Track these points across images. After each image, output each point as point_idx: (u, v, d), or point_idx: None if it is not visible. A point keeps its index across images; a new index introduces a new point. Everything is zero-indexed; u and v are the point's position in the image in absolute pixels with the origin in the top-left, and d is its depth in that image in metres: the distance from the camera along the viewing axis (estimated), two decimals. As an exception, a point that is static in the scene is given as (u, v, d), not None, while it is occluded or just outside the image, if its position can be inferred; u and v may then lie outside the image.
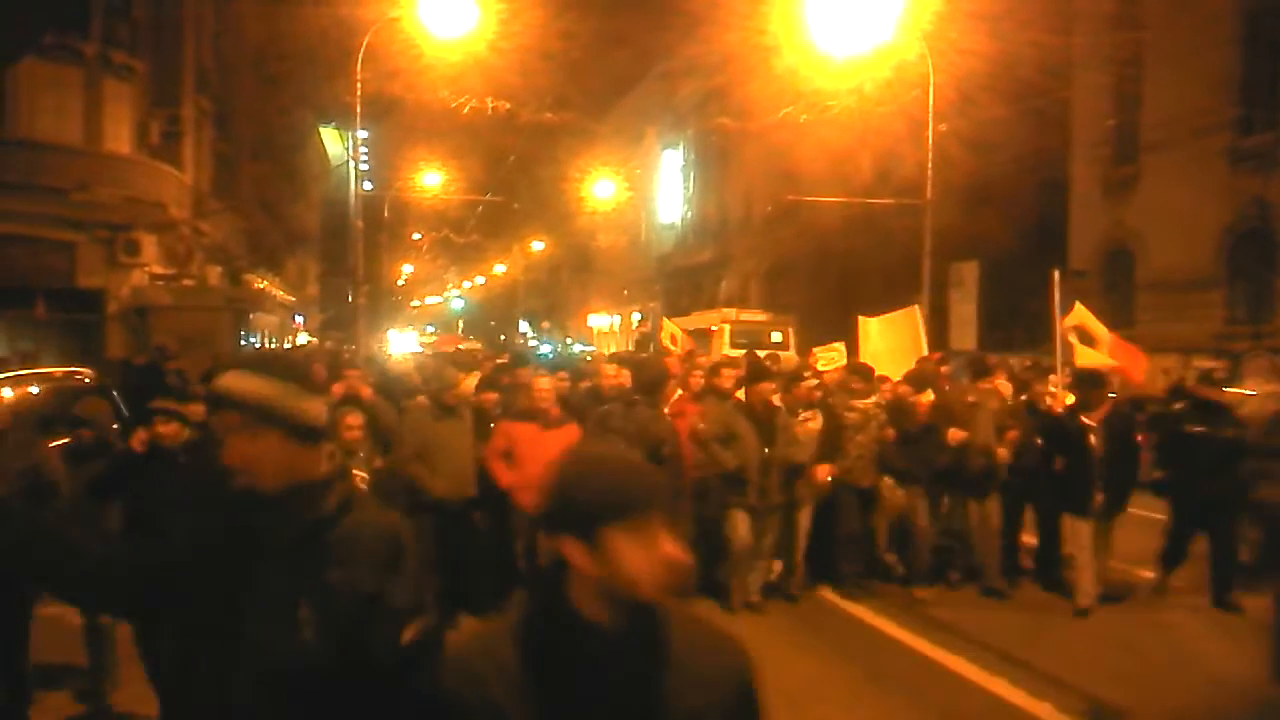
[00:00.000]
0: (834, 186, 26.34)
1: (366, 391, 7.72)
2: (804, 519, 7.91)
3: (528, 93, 27.03)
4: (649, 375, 7.77)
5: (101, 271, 21.22)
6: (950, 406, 8.18)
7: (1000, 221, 22.71)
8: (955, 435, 7.83)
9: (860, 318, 11.85)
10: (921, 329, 11.39)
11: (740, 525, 7.29)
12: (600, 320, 51.37)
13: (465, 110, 24.65)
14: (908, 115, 21.76)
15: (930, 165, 20.69)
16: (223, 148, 28.96)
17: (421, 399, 7.40)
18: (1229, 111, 19.44)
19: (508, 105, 25.59)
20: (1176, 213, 20.20)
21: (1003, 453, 8.03)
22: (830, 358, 10.93)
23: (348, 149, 40.07)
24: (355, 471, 5.43)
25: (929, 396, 8.41)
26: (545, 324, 58.60)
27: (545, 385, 7.19)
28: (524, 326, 59.89)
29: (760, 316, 26.31)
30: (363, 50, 21.20)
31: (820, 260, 31.59)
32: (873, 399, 8.33)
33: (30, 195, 19.32)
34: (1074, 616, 7.45)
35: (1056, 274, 8.84)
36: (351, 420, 6.05)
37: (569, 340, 44.19)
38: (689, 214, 47.65)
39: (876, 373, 8.93)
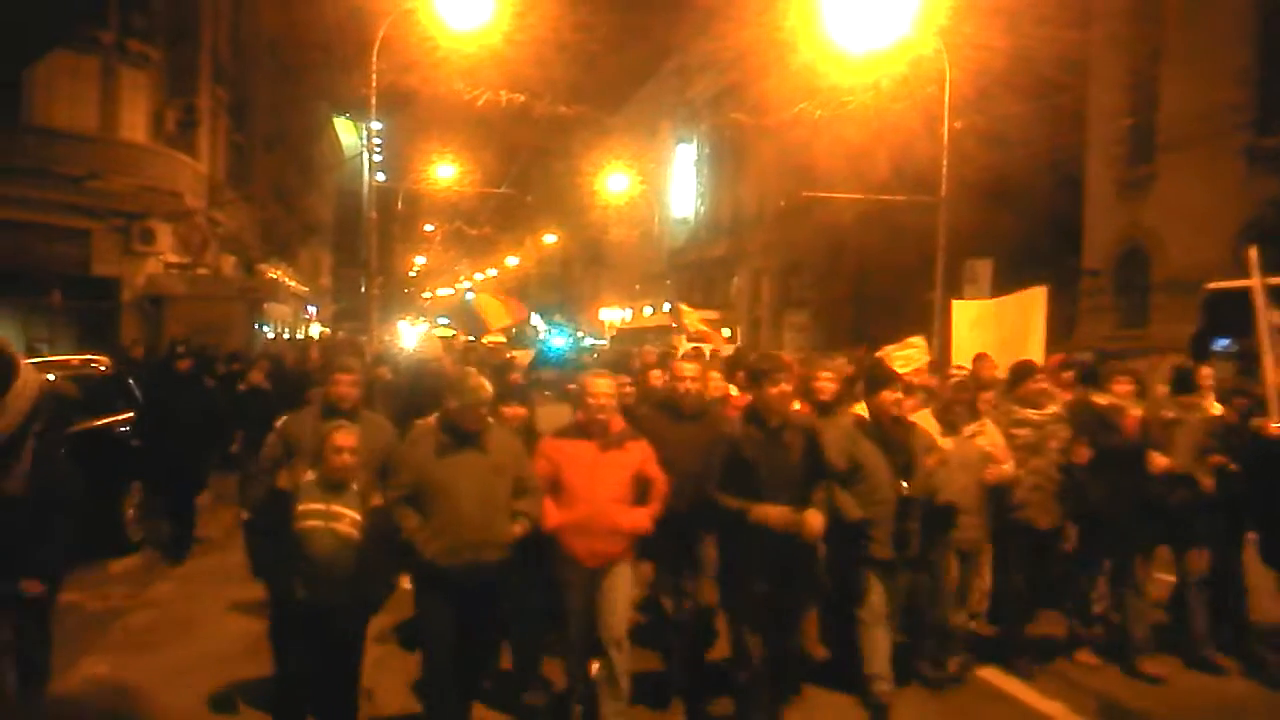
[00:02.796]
0: (849, 183, 26.26)
1: (351, 392, 5.31)
2: (986, 573, 6.29)
3: (542, 86, 27.08)
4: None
5: (116, 260, 21.31)
6: (1147, 424, 6.38)
7: (1016, 219, 22.60)
8: (1159, 462, 6.10)
9: (955, 301, 10.76)
10: (1043, 318, 9.29)
11: (874, 588, 5.27)
12: (612, 314, 51.40)
13: (480, 103, 24.72)
14: (924, 111, 21.67)
15: (945, 162, 20.61)
16: (238, 138, 29.04)
17: (429, 420, 5.34)
18: (1247, 111, 19.29)
19: (522, 98, 25.66)
20: (1193, 212, 20.06)
21: (1208, 483, 6.22)
22: (908, 356, 8.48)
23: (362, 140, 40.15)
24: (344, 511, 4.40)
25: (1123, 402, 6.31)
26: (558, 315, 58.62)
27: (603, 389, 5.15)
28: (535, 319, 59.93)
29: (714, 315, 28.80)
30: (379, 42, 21.22)
31: (834, 257, 31.51)
32: (1052, 409, 6.27)
33: (46, 183, 19.41)
34: None
35: (1254, 251, 6.73)
36: (342, 440, 4.45)
37: (580, 333, 44.17)
38: (702, 209, 47.58)
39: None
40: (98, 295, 20.93)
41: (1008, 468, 5.89)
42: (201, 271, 23.24)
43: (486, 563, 4.77)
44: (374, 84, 21.91)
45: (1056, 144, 23.47)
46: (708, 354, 12.23)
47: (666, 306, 42.21)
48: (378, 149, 34.18)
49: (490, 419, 5.02)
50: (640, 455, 5.15)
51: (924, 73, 20.57)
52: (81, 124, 20.46)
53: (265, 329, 27.78)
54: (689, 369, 5.85)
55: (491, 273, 76.04)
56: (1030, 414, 6.17)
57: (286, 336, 29.81)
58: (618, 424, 5.22)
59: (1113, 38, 21.80)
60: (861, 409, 5.57)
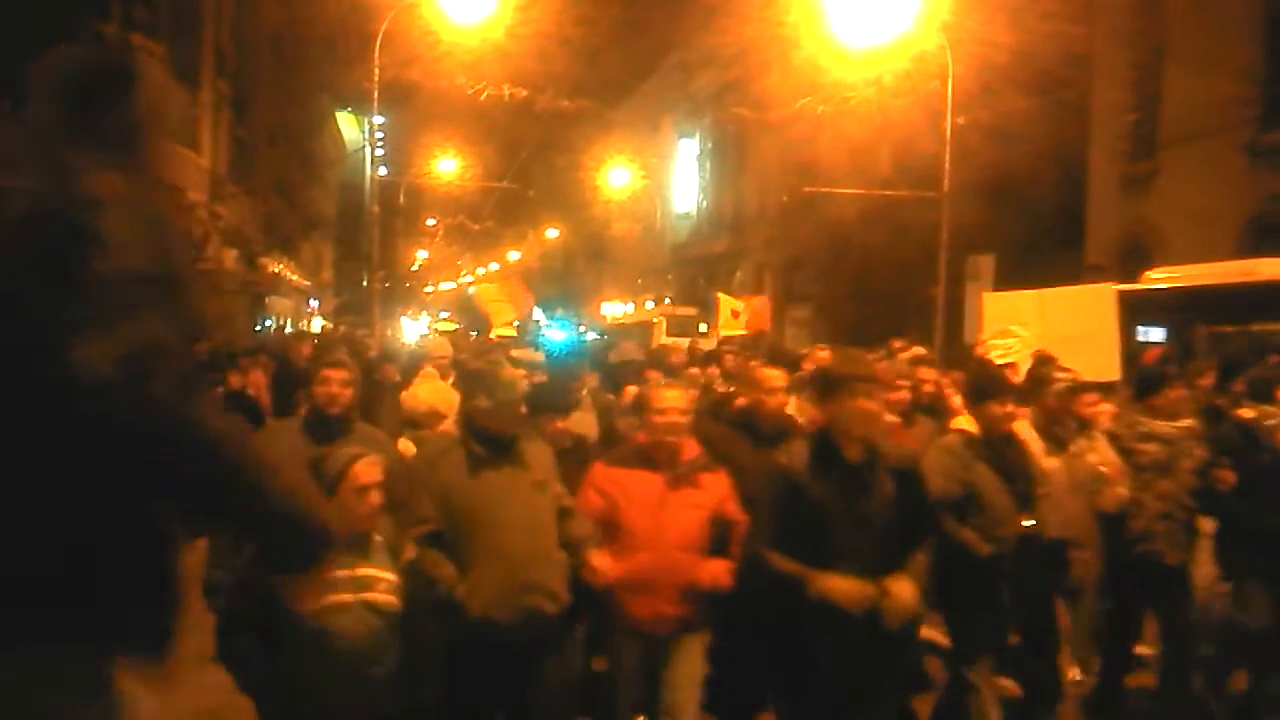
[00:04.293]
0: (851, 178, 26.24)
1: (343, 394, 4.25)
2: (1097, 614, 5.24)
3: (545, 80, 27.04)
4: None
5: (119, 254, 21.30)
6: None
7: (1018, 214, 22.58)
8: None
9: (986, 294, 8.98)
10: (1115, 319, 8.42)
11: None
12: (614, 308, 51.43)
13: (482, 97, 24.68)
14: (926, 107, 21.65)
15: (948, 157, 20.60)
16: (240, 131, 29.02)
17: (447, 426, 4.45)
18: (1251, 106, 19.25)
19: (524, 92, 25.62)
20: (1196, 208, 20.03)
21: None
22: (1008, 346, 6.99)
23: (364, 134, 40.11)
24: (377, 574, 3.06)
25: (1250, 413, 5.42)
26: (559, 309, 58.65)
27: (674, 402, 4.00)
28: (538, 314, 59.92)
29: (691, 311, 29.69)
30: (381, 36, 21.21)
31: (836, 252, 31.47)
32: (1187, 421, 5.30)
33: (49, 177, 19.39)
34: None
35: None
36: (367, 475, 3.08)
37: (581, 328, 44.22)
38: (704, 204, 47.54)
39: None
40: (100, 289, 20.92)
41: (1124, 490, 4.95)
42: (203, 266, 23.24)
43: (542, 616, 3.58)
44: (376, 78, 21.90)
45: (1059, 139, 23.43)
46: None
47: (667, 301, 42.26)
48: (380, 143, 34.17)
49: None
50: (718, 491, 4.00)
51: (927, 68, 20.55)
52: (84, 118, 20.44)
53: (268, 323, 27.80)
54: (775, 377, 4.53)
55: (494, 267, 76.04)
56: (1163, 427, 5.11)
57: (289, 330, 29.79)
58: (691, 449, 4.02)
59: (1116, 33, 21.76)
60: (966, 422, 4.56)
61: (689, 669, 3.94)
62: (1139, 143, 22.41)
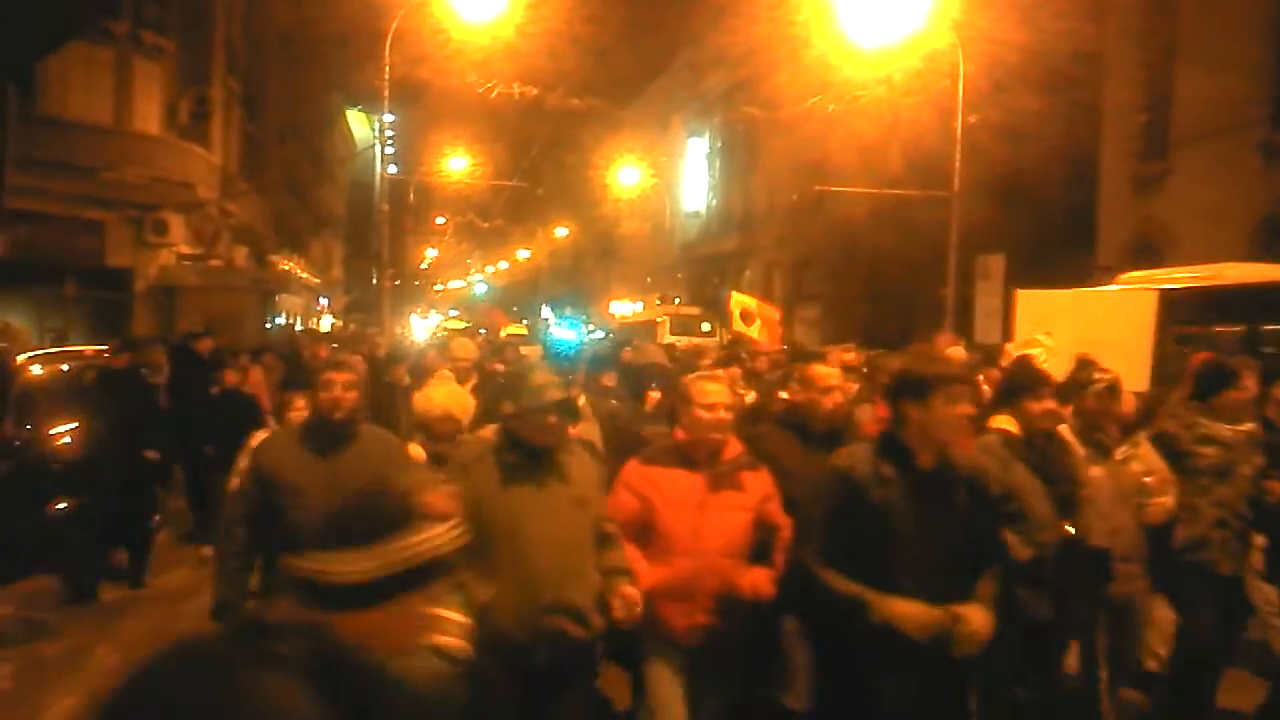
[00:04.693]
0: (861, 177, 26.20)
1: (346, 398, 4.02)
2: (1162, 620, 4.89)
3: (555, 79, 27.05)
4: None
5: (129, 251, 21.39)
6: None
7: (1029, 214, 22.52)
8: None
9: (1020, 291, 8.98)
10: (1152, 326, 8.02)
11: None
12: (623, 307, 51.44)
13: (492, 95, 24.68)
14: (937, 106, 21.60)
15: (959, 156, 20.54)
16: (251, 129, 29.10)
17: (484, 433, 3.91)
18: (1263, 106, 19.16)
19: (534, 90, 25.62)
20: (1208, 208, 19.94)
21: None
22: (1033, 357, 6.30)
23: (374, 132, 40.17)
24: (448, 615, 2.23)
25: None
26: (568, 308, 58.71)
27: (719, 395, 3.74)
28: (546, 312, 60.00)
29: (694, 310, 30.27)
30: (391, 34, 21.23)
31: (846, 252, 31.41)
32: (1248, 425, 5.01)
33: (60, 174, 19.47)
34: None
35: None
36: (440, 506, 1.86)
37: (590, 326, 44.27)
38: (714, 203, 47.50)
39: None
40: (111, 286, 21.00)
41: (1169, 500, 4.69)
42: (214, 263, 23.33)
43: (566, 639, 3.34)
44: (387, 76, 21.91)
45: (1070, 139, 23.35)
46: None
47: (676, 301, 42.20)
48: (390, 141, 34.21)
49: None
50: (761, 491, 3.74)
51: (937, 67, 20.49)
52: (95, 115, 20.52)
53: (278, 320, 27.86)
54: (828, 374, 4.23)
55: (503, 265, 76.13)
56: (1224, 430, 4.84)
57: (299, 328, 29.85)
58: (734, 447, 3.77)
59: (1127, 32, 21.68)
60: (1006, 421, 4.20)
61: (721, 699, 3.68)
62: (1150, 142, 22.32)
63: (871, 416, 5.44)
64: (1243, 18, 19.31)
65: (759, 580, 3.62)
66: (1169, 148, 21.69)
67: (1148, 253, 22.69)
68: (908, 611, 3.01)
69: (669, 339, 22.33)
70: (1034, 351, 6.46)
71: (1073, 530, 3.95)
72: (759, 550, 3.73)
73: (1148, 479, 4.65)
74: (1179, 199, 21.34)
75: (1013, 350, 6.84)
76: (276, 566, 3.64)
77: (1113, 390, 4.74)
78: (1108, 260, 22.91)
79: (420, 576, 1.99)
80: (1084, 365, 4.91)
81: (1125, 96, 22.62)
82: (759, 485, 3.73)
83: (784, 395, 4.94)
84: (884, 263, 28.03)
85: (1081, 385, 4.68)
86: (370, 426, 4.12)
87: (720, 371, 7.95)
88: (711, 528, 3.59)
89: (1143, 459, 4.73)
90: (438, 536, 1.81)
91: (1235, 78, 19.19)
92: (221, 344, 12.34)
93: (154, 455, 8.04)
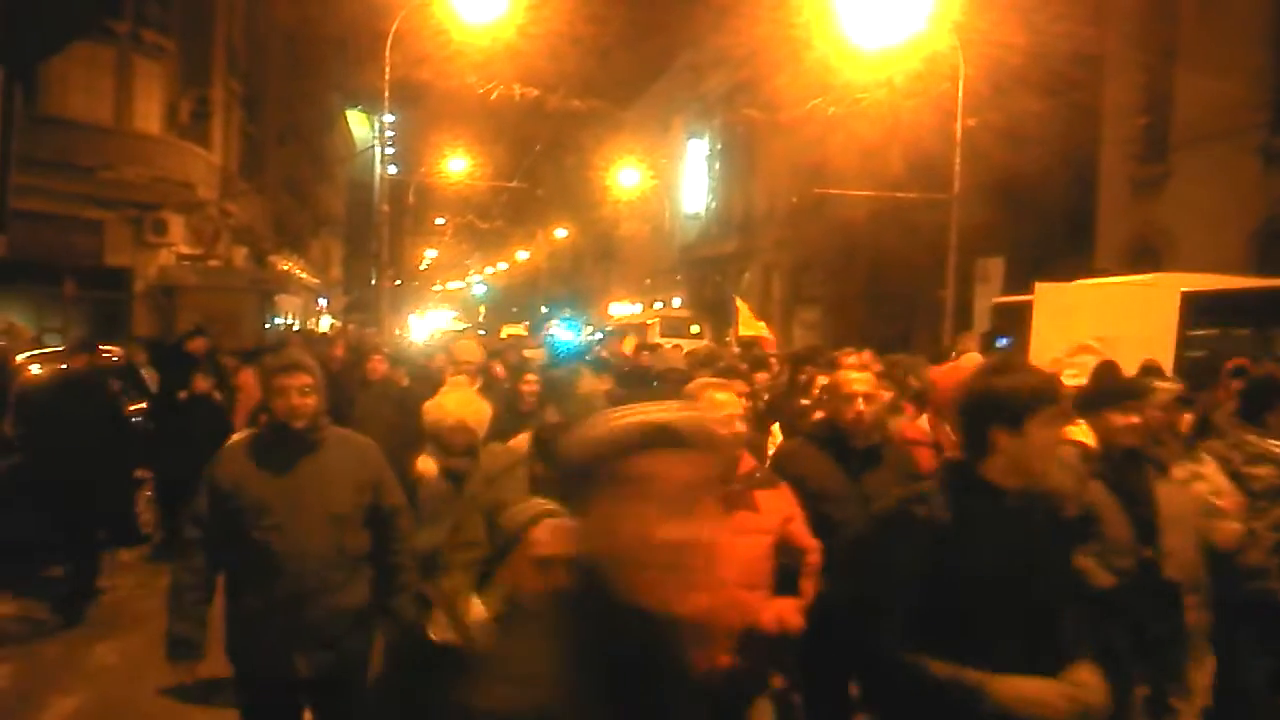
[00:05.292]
0: (861, 180, 26.20)
1: (306, 404, 3.61)
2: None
3: (555, 80, 27.04)
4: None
5: (129, 251, 21.39)
6: None
7: (1029, 216, 22.53)
8: None
9: (1039, 284, 8.01)
10: (1176, 324, 7.48)
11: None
12: (622, 309, 51.43)
13: (492, 96, 24.67)
14: (937, 108, 21.61)
15: (959, 159, 20.55)
16: (251, 129, 29.09)
17: (516, 442, 3.74)
18: (1263, 110, 19.18)
19: (535, 92, 25.59)
20: (1207, 212, 19.96)
21: None
22: (1084, 365, 5.74)
23: (374, 133, 40.16)
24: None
25: None
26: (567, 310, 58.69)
27: (728, 405, 3.34)
28: (544, 312, 60.02)
29: (684, 313, 30.90)
30: (392, 35, 21.25)
31: (846, 254, 31.42)
32: None
33: (60, 173, 19.46)
34: None
35: None
36: (547, 544, 2.49)
37: (589, 328, 44.33)
38: (713, 205, 47.50)
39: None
40: (110, 286, 20.98)
41: (1238, 525, 4.19)
42: (213, 263, 23.32)
43: None
44: (387, 77, 21.95)
45: (1071, 141, 23.38)
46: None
47: (677, 302, 42.21)
48: (390, 142, 34.20)
49: None
50: (781, 511, 3.31)
51: (938, 69, 20.51)
52: (96, 114, 20.51)
53: (277, 321, 27.83)
54: (859, 381, 3.73)
55: (502, 266, 76.14)
56: (1278, 448, 4.43)
57: (296, 329, 29.80)
58: (747, 462, 3.34)
59: (1127, 35, 21.69)
60: (1082, 433, 3.74)
61: None
62: (1150, 145, 22.34)
63: (906, 428, 5.01)
64: (1243, 21, 19.34)
65: (785, 611, 3.18)
66: (1169, 151, 21.70)
67: (1147, 255, 22.70)
68: (1032, 692, 2.41)
69: (658, 340, 22.46)
70: (1086, 359, 5.90)
71: (1153, 554, 3.49)
72: (783, 578, 3.32)
73: (1218, 501, 4.15)
74: (1178, 202, 21.36)
75: (1063, 356, 6.31)
76: (242, 594, 3.44)
77: (1180, 402, 4.32)
78: (1106, 263, 22.93)
79: None
80: (1147, 371, 4.51)
81: (1125, 99, 22.64)
82: (778, 504, 3.32)
83: (807, 403, 4.65)
84: (884, 265, 28.05)
85: (1142, 394, 4.06)
86: (335, 430, 3.72)
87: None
88: (727, 555, 3.01)
89: (1208, 478, 4.23)
90: None
91: (1235, 81, 19.21)
92: (221, 344, 12.27)
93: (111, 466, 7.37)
